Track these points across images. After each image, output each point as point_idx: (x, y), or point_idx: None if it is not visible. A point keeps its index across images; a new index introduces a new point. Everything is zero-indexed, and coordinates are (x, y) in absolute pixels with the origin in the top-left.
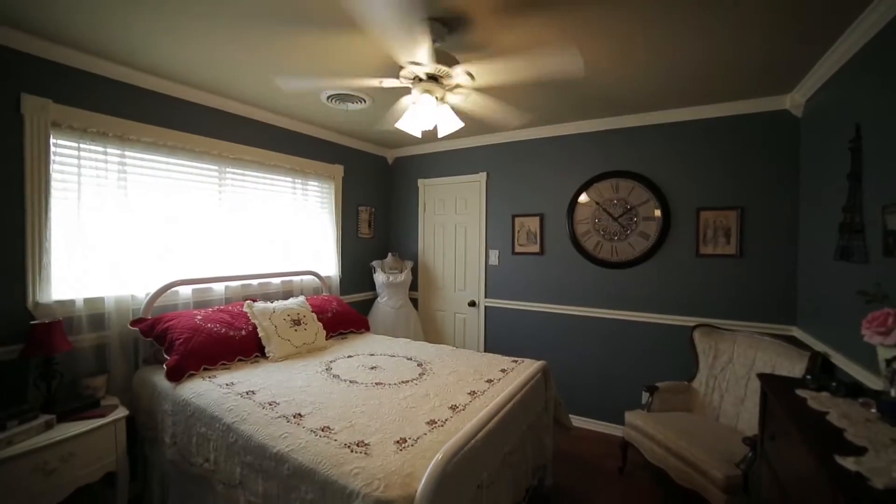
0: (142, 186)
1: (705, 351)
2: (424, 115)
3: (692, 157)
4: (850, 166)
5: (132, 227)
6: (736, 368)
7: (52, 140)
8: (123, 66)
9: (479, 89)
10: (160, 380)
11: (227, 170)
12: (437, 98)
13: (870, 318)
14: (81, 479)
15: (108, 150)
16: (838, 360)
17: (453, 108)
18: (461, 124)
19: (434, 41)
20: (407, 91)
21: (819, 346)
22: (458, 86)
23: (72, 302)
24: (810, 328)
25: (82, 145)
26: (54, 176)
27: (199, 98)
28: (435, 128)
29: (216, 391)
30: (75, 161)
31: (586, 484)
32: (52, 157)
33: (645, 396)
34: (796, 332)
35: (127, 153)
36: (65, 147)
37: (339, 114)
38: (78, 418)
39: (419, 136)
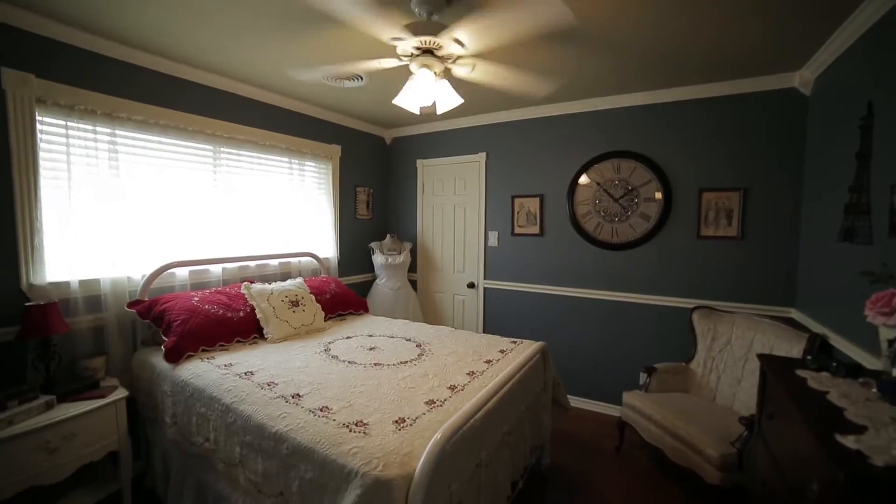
0: (134, 166)
1: (704, 333)
2: (422, 91)
3: (695, 137)
4: (860, 145)
5: (125, 208)
6: (734, 350)
7: (37, 117)
8: (111, 41)
9: (482, 56)
10: (159, 361)
11: (222, 150)
12: (435, 73)
13: (874, 298)
14: (85, 458)
15: (98, 129)
16: (837, 341)
17: (462, 81)
18: (461, 100)
19: (431, 14)
20: (406, 68)
21: (817, 328)
22: (458, 57)
23: (67, 283)
24: (809, 310)
25: (70, 123)
26: (43, 155)
27: (192, 75)
28: (434, 105)
29: (215, 372)
30: (63, 140)
31: (583, 463)
32: (38, 134)
33: (643, 377)
34: (795, 314)
35: (117, 132)
36: (52, 125)
37: (336, 92)
38: (78, 399)
39: (418, 112)
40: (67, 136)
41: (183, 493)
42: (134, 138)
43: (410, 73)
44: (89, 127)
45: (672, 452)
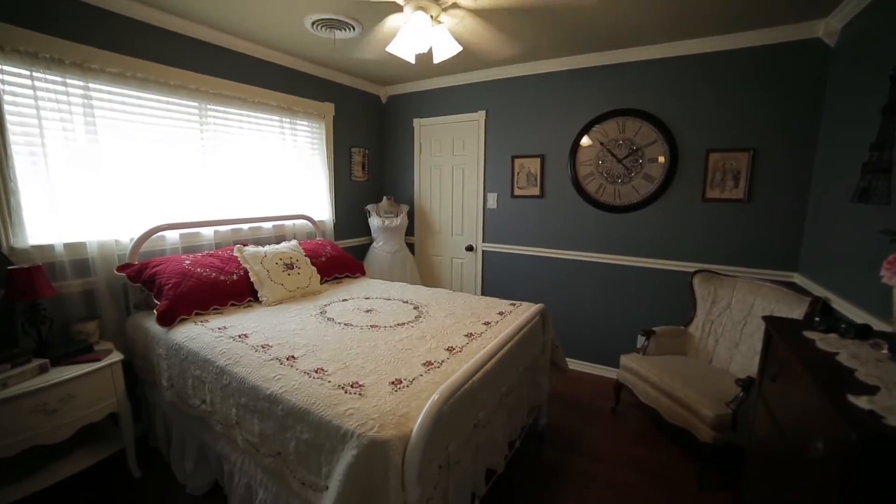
0: (113, 123)
1: (704, 297)
2: (418, 37)
3: (706, 94)
4: (889, 97)
5: (106, 168)
6: (733, 314)
7: None
8: None
9: (477, 11)
10: (152, 325)
11: (208, 107)
12: (432, 16)
13: (892, 259)
14: (85, 419)
15: (69, 81)
16: (839, 304)
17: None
18: (459, 48)
19: None
20: (400, 11)
21: (820, 292)
22: (454, 4)
23: (51, 247)
24: (813, 274)
25: (36, 74)
26: (9, 108)
27: (171, 24)
28: (430, 52)
29: (208, 335)
30: (31, 92)
31: (579, 423)
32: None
33: (641, 340)
34: (797, 278)
35: (91, 85)
36: (14, 75)
37: (329, 46)
38: (72, 362)
39: (413, 61)
40: (35, 89)
41: (185, 452)
42: (111, 93)
43: (402, 14)
44: (58, 79)
45: (667, 413)
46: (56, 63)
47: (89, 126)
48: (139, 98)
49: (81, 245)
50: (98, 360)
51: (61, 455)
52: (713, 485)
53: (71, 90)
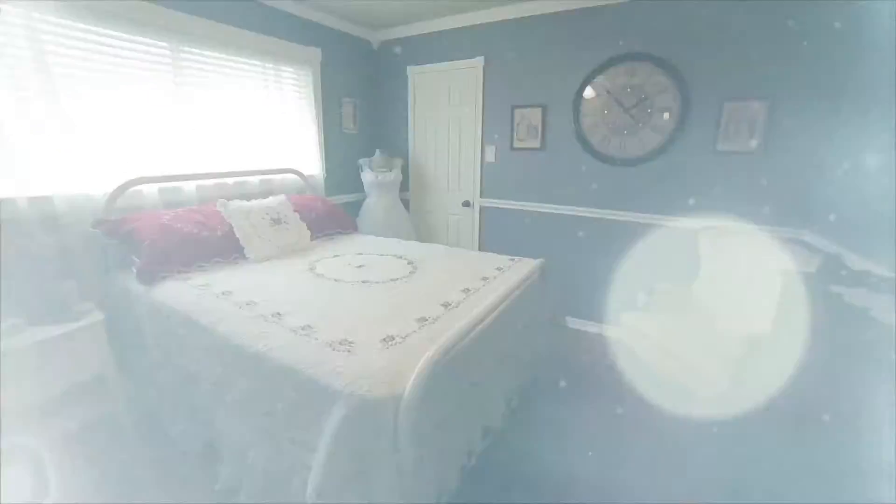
0: (71, 62)
1: (709, 254)
2: None
3: (726, 37)
4: None
5: (66, 113)
6: (739, 271)
7: None
8: None
9: None
10: (133, 283)
11: (182, 48)
12: None
13: None
14: (69, 379)
15: (4, 8)
16: (855, 262)
17: None
18: None
19: None
20: None
21: (833, 249)
22: None
23: (11, 201)
24: (825, 230)
25: None
26: None
27: None
28: None
29: (191, 293)
30: None
31: (578, 380)
32: None
33: (642, 298)
34: (808, 235)
35: (34, 15)
36: None
37: None
38: (49, 323)
39: None
40: None
41: (176, 412)
42: (61, 25)
43: None
44: None
45: (667, 370)
46: None
47: (38, 64)
48: (97, 34)
49: (48, 199)
50: (76, 320)
51: (51, 414)
52: (710, 442)
53: (10, 18)
